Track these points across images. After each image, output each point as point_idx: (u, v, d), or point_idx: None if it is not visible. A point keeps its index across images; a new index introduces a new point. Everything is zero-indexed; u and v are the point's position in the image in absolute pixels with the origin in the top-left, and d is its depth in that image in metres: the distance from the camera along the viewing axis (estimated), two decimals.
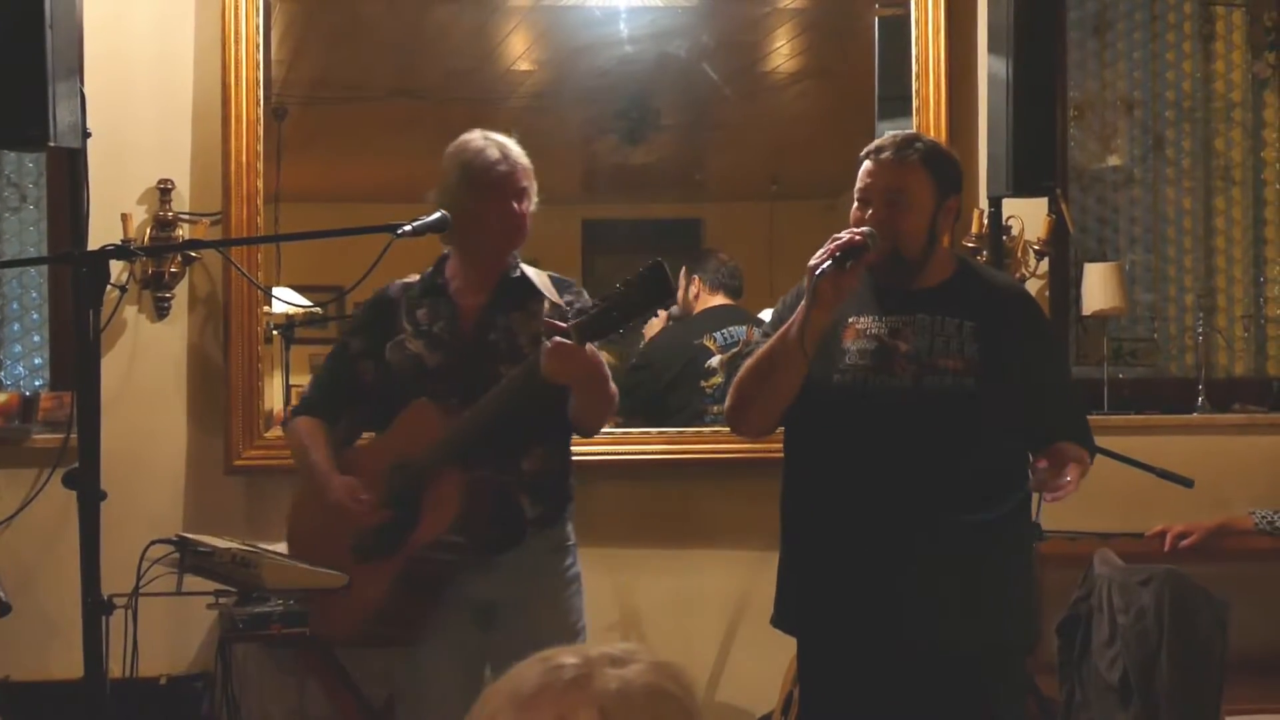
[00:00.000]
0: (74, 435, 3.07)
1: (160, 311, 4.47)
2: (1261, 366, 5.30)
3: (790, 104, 5.30)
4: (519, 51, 5.04)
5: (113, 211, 4.35)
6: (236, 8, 4.41)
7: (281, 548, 4.16)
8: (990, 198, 4.49)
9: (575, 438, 3.52)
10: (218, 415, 4.45)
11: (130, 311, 4.47)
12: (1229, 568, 4.49)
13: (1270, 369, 5.28)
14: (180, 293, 4.49)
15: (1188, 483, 4.29)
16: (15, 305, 4.79)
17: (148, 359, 4.49)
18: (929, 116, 4.66)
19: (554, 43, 5.01)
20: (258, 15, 4.44)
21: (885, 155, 3.09)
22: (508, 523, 3.36)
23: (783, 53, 5.18)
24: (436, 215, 3.23)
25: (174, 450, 4.50)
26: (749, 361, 3.19)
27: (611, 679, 1.25)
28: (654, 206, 5.28)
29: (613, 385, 3.37)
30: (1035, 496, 3.23)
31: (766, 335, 3.19)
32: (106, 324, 4.30)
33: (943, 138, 4.61)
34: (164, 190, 4.42)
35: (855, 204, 3.12)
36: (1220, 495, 4.64)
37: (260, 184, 4.45)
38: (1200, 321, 5.11)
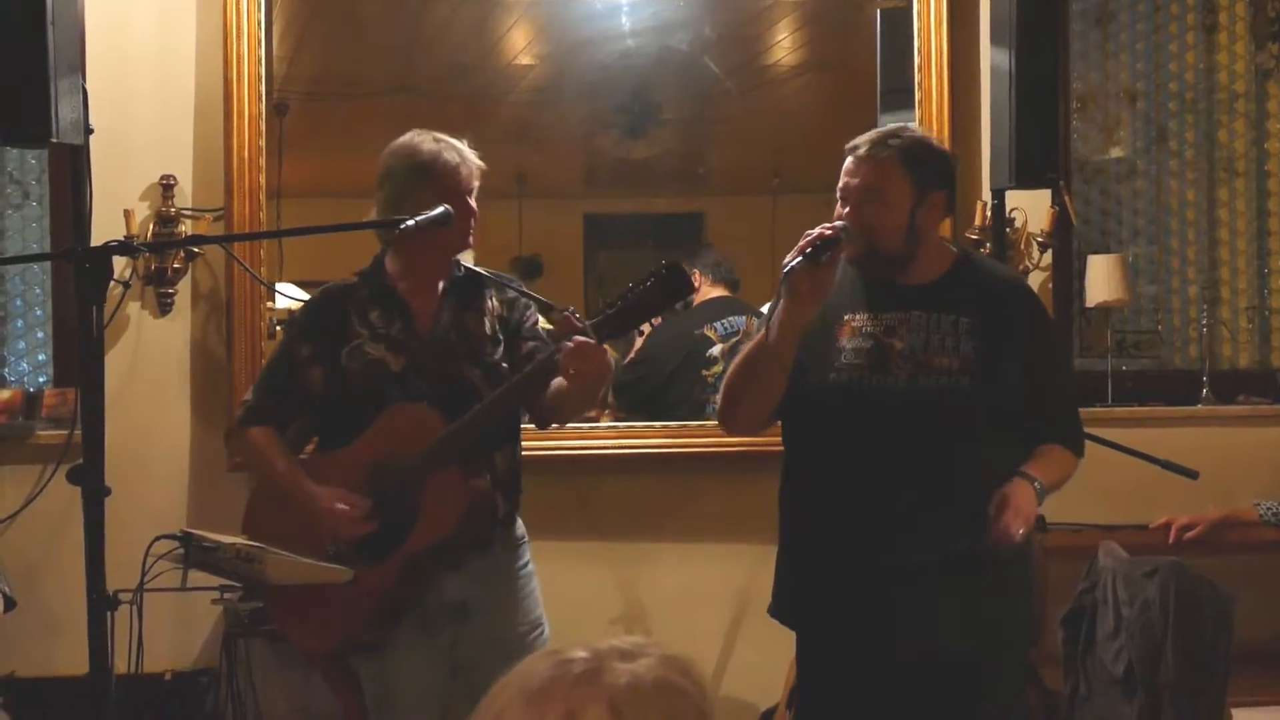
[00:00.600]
0: (78, 432, 3.07)
1: (163, 307, 4.47)
2: (1266, 358, 5.29)
3: (792, 97, 5.29)
4: (520, 46, 5.04)
5: (115, 208, 4.35)
6: (238, 4, 4.40)
7: None
8: (993, 190, 4.48)
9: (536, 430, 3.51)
10: (221, 411, 4.45)
11: (133, 308, 4.47)
12: (1234, 560, 4.49)
13: (1275, 360, 5.28)
14: (183, 289, 4.49)
15: (1192, 475, 4.28)
16: (19, 302, 4.80)
17: (151, 355, 4.49)
18: (931, 109, 4.65)
19: (555, 37, 5.01)
20: (259, 11, 4.43)
21: (860, 152, 3.07)
22: (485, 521, 3.36)
23: (785, 46, 5.18)
24: (439, 210, 3.22)
25: (178, 446, 4.50)
26: (736, 360, 3.21)
27: (621, 673, 1.25)
28: (656, 201, 5.28)
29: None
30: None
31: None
32: (109, 320, 4.30)
33: (945, 130, 4.61)
34: (166, 186, 4.42)
35: (838, 202, 3.12)
36: (1225, 487, 4.63)
37: (262, 179, 4.45)
38: (1204, 313, 5.11)
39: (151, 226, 4.42)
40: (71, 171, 4.21)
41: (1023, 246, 4.73)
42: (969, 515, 3.00)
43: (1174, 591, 3.58)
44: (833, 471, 3.12)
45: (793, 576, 3.23)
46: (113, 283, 4.10)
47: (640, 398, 4.76)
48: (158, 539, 3.59)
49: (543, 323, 3.50)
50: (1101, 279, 4.84)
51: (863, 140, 3.09)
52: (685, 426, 4.58)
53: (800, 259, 2.96)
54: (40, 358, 4.75)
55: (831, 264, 2.99)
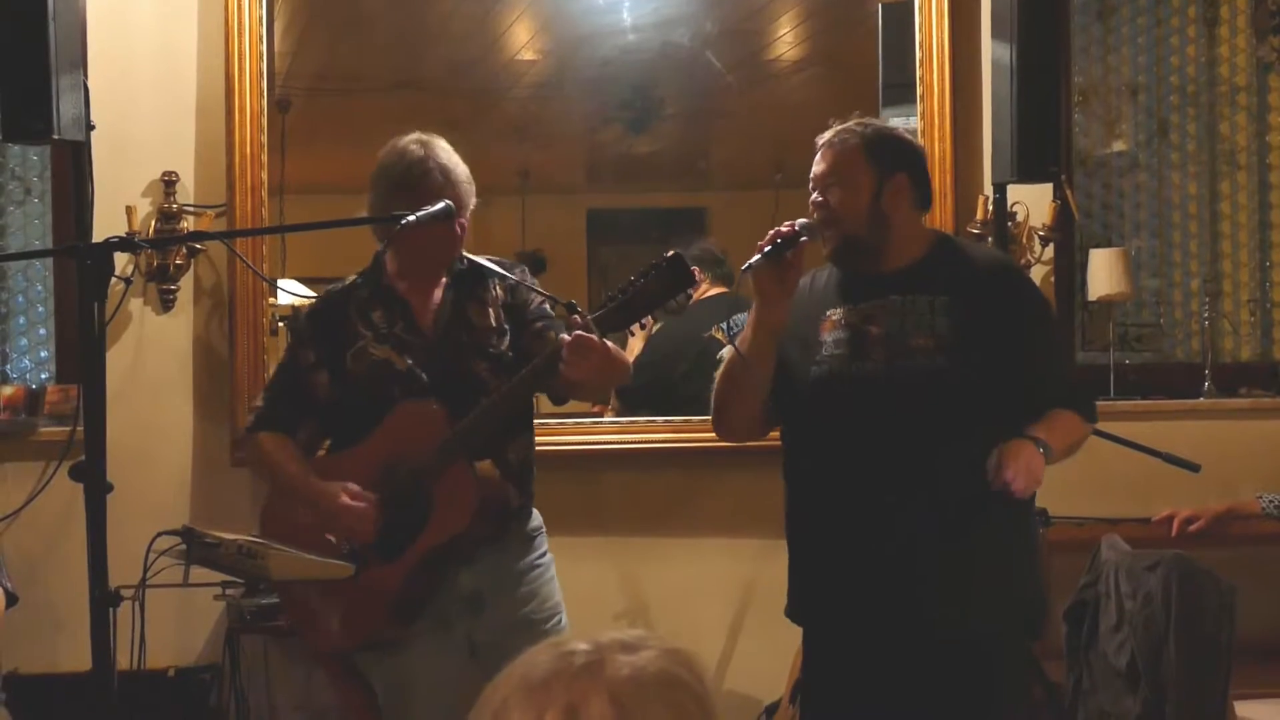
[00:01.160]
0: (80, 428, 3.07)
1: (165, 304, 4.47)
2: (1268, 351, 5.29)
3: (794, 92, 5.29)
4: (522, 41, 5.04)
5: (117, 204, 4.35)
6: (240, 0, 4.40)
7: None
8: (995, 184, 4.49)
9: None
10: (223, 407, 4.46)
11: (136, 304, 4.47)
12: (1236, 552, 4.49)
13: (1277, 353, 5.27)
14: (185, 285, 4.49)
15: (1194, 468, 4.29)
16: (21, 299, 4.80)
17: (153, 351, 4.49)
18: (933, 103, 4.65)
19: (557, 32, 5.01)
20: (261, 7, 4.43)
21: (823, 143, 3.16)
22: (498, 515, 3.36)
23: (786, 41, 5.17)
24: (440, 205, 3.22)
25: (180, 443, 4.50)
26: (718, 373, 3.24)
27: (623, 665, 1.25)
28: (658, 196, 5.28)
29: (627, 358, 3.37)
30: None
31: None
32: (111, 317, 4.30)
33: (946, 124, 4.62)
34: (168, 183, 4.42)
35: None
36: (1227, 480, 4.63)
37: (264, 176, 4.45)
38: (1206, 306, 5.11)
39: (153, 223, 4.43)
40: (73, 168, 4.22)
41: (1024, 240, 4.73)
42: (956, 498, 3.01)
43: (1176, 584, 3.58)
44: (823, 462, 3.14)
45: (799, 573, 3.24)
46: (115, 279, 4.08)
47: (646, 398, 4.75)
48: (160, 535, 3.59)
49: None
50: (1103, 272, 4.83)
51: (829, 132, 3.17)
52: (689, 422, 4.57)
53: (759, 257, 3.02)
54: (42, 354, 4.75)
55: (796, 261, 3.05)
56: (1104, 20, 5.24)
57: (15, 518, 4.31)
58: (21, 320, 4.79)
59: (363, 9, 4.87)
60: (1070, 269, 4.95)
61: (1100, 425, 3.95)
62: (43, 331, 4.76)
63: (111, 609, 2.79)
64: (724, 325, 4.75)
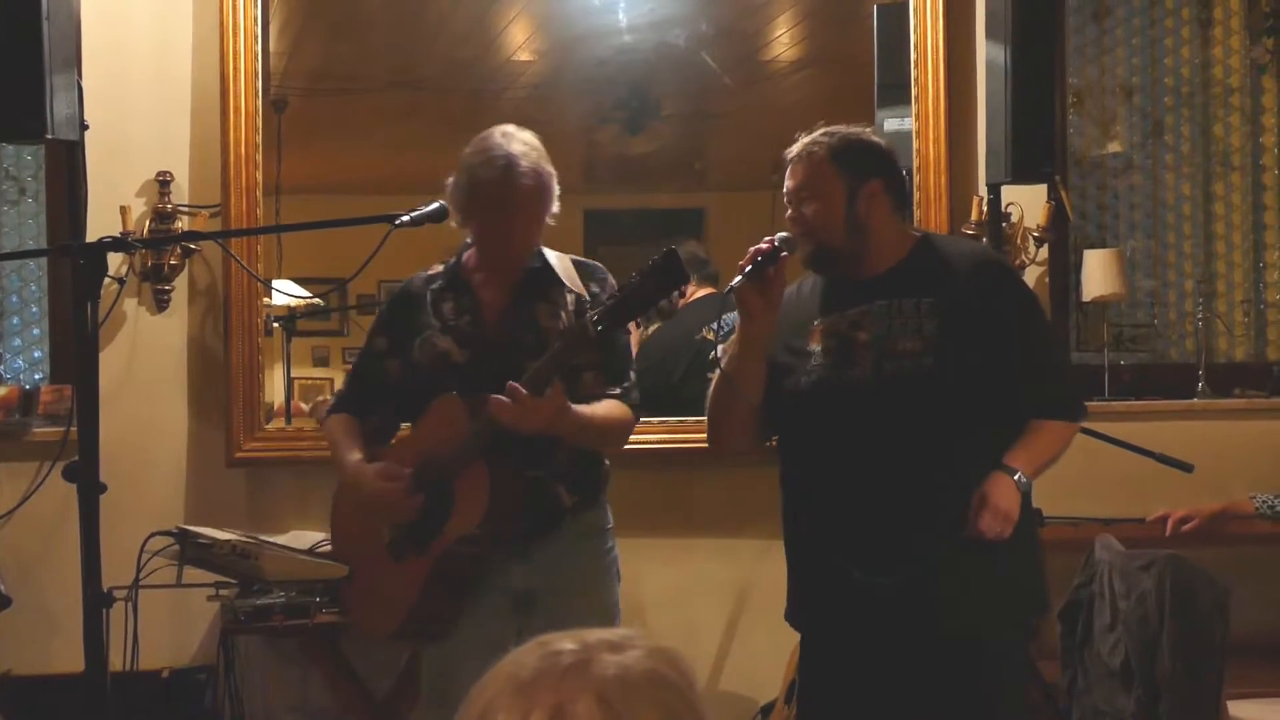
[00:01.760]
0: (74, 428, 3.07)
1: (160, 304, 4.47)
2: (1261, 351, 5.29)
3: (790, 92, 5.29)
4: (519, 41, 5.03)
5: (111, 204, 4.35)
6: None
7: (283, 539, 4.17)
8: (989, 185, 4.49)
9: None
10: (218, 408, 4.45)
11: (130, 304, 4.47)
12: (1230, 552, 4.50)
13: (1270, 354, 5.27)
14: (180, 285, 4.48)
15: (1188, 468, 4.29)
16: (15, 299, 4.79)
17: (148, 352, 4.48)
18: (928, 104, 4.66)
19: (553, 32, 5.00)
20: (256, 6, 4.43)
21: (791, 157, 3.17)
22: (544, 512, 3.36)
23: (782, 41, 5.17)
24: (435, 205, 3.22)
25: (174, 443, 4.50)
26: (710, 391, 3.25)
27: (610, 665, 1.25)
28: (656, 196, 5.28)
29: (605, 417, 3.35)
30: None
31: None
32: (106, 317, 4.29)
33: (941, 125, 4.63)
34: (163, 182, 4.42)
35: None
36: (1221, 480, 4.64)
37: (259, 176, 4.44)
38: (1200, 307, 5.11)
39: (148, 223, 4.42)
40: (67, 167, 4.21)
41: (1019, 241, 4.73)
42: (953, 502, 3.01)
43: (1170, 584, 3.58)
44: (815, 470, 3.15)
45: (797, 580, 3.25)
46: (109, 279, 4.09)
47: (648, 404, 4.74)
48: (153, 535, 3.60)
49: None
50: (1098, 273, 4.84)
51: (796, 145, 3.18)
52: (684, 422, 4.57)
53: (740, 278, 3.04)
54: (36, 354, 4.75)
55: (778, 276, 3.07)
56: (1098, 21, 5.24)
57: (9, 518, 4.30)
58: (15, 320, 4.78)
59: (359, 8, 4.87)
60: (1065, 270, 4.96)
61: (1095, 425, 3.97)
62: (36, 332, 4.75)
63: (105, 610, 2.80)
64: (714, 326, 4.77)
